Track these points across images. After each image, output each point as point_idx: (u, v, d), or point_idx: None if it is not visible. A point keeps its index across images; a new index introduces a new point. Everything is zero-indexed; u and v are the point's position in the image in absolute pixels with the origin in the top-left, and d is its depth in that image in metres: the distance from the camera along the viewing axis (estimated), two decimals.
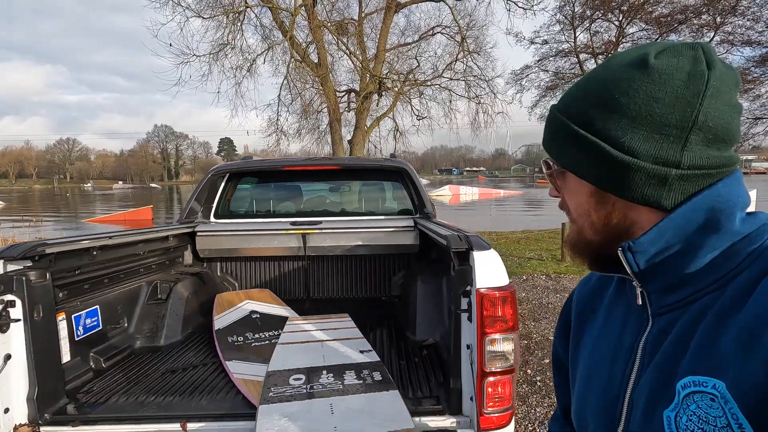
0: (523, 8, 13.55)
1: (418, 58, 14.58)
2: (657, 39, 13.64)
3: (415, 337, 2.45)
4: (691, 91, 0.50)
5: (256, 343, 2.46)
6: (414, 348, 2.37)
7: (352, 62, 13.58)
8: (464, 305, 1.65)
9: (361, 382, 1.67)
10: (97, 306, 2.26)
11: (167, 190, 69.92)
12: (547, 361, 3.78)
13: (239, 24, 12.30)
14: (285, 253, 3.35)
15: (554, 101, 0.67)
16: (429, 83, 14.51)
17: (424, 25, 14.95)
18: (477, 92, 14.70)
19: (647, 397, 0.53)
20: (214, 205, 3.62)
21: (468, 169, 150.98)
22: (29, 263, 1.76)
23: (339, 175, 3.94)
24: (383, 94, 13.87)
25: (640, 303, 0.59)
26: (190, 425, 1.67)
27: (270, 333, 2.60)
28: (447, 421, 1.66)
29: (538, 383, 3.41)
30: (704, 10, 13.93)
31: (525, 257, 8.37)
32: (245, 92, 13.48)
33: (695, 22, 14.10)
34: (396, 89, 13.79)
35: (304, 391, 1.61)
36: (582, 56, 16.91)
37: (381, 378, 1.70)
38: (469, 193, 35.28)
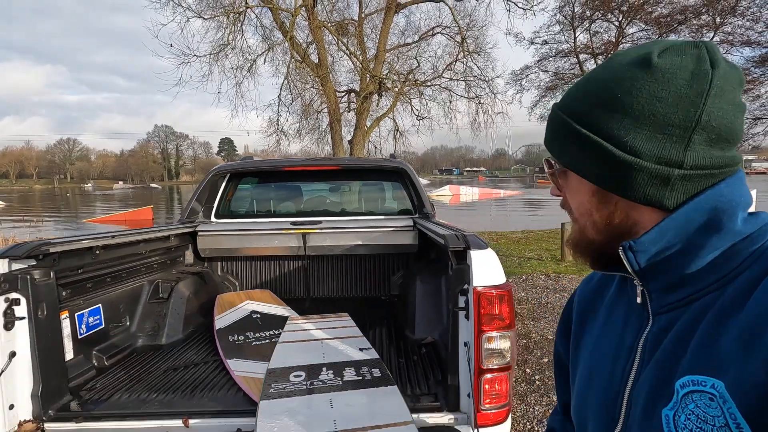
0: (522, 8, 13.59)
1: (418, 58, 14.61)
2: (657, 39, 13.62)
3: (414, 335, 2.47)
4: (695, 91, 0.50)
5: (257, 342, 2.49)
6: (413, 346, 2.39)
7: (352, 62, 13.61)
8: (462, 303, 1.67)
9: (360, 378, 1.70)
10: (100, 305, 2.28)
11: (167, 190, 69.94)
12: (545, 360, 3.80)
13: (240, 24, 12.33)
14: (285, 253, 3.37)
15: (554, 101, 0.67)
16: (429, 83, 14.53)
17: (424, 25, 14.99)
18: (477, 92, 14.73)
19: (646, 395, 0.54)
20: (215, 205, 3.64)
21: (468, 169, 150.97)
22: (34, 262, 1.78)
23: (339, 175, 3.96)
24: (383, 94, 13.90)
25: (640, 302, 0.59)
26: (192, 421, 1.70)
27: (270, 332, 2.62)
28: (445, 418, 1.69)
29: (537, 382, 3.44)
30: (704, 10, 13.93)
31: (525, 257, 8.39)
32: (246, 92, 13.53)
33: (695, 22, 14.11)
34: (396, 89, 13.81)
35: (304, 387, 1.63)
36: (582, 56, 16.93)
37: (380, 374, 1.72)
38: (469, 193, 35.29)
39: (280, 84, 13.08)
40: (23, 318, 1.68)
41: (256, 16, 13.13)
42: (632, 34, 15.92)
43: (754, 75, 13.79)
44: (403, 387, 1.92)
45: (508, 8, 13.74)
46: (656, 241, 0.54)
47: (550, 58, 17.55)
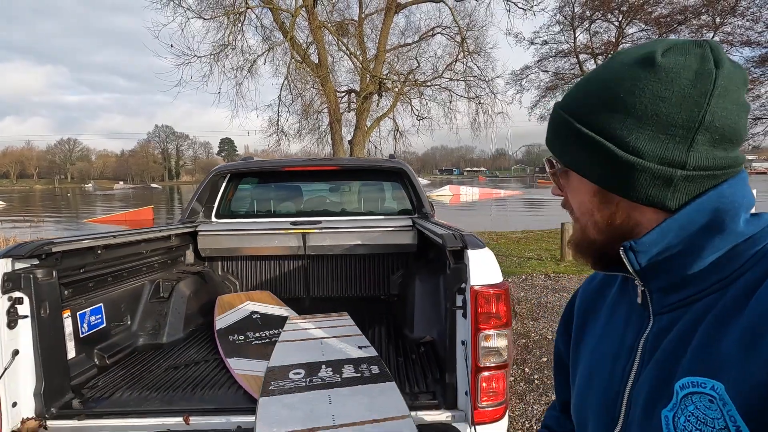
0: (522, 9, 13.60)
1: (418, 58, 14.63)
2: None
3: (412, 334, 2.49)
4: (699, 91, 0.49)
5: (257, 342, 2.51)
6: (412, 345, 2.41)
7: (353, 63, 13.63)
8: (459, 302, 1.69)
9: (359, 375, 1.72)
10: (101, 304, 2.30)
11: (168, 190, 69.97)
12: (545, 359, 3.82)
13: (240, 25, 12.36)
14: (285, 253, 3.39)
15: (554, 101, 0.67)
16: (429, 84, 14.55)
17: (424, 25, 15.01)
18: (477, 92, 14.75)
19: (646, 395, 0.53)
20: (216, 205, 3.66)
21: (468, 169, 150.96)
22: (36, 261, 1.80)
23: (338, 175, 3.98)
24: (383, 94, 13.91)
25: (641, 302, 0.59)
26: (193, 419, 1.71)
27: (270, 332, 2.64)
28: (442, 416, 1.70)
29: (536, 381, 3.45)
30: (704, 10, 13.95)
31: (524, 257, 8.41)
32: (246, 93, 13.54)
33: (695, 22, 14.13)
34: (396, 90, 13.83)
35: (304, 384, 1.65)
36: (582, 57, 16.95)
37: (378, 371, 1.74)
38: (469, 193, 35.30)
39: (281, 84, 13.12)
40: (26, 317, 1.70)
41: (257, 16, 13.17)
42: (632, 34, 15.95)
43: (754, 75, 13.80)
44: (402, 385, 1.93)
45: (508, 8, 13.76)
46: (657, 241, 0.53)
47: (550, 59, 17.59)
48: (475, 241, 1.74)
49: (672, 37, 14.15)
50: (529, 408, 3.09)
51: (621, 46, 15.62)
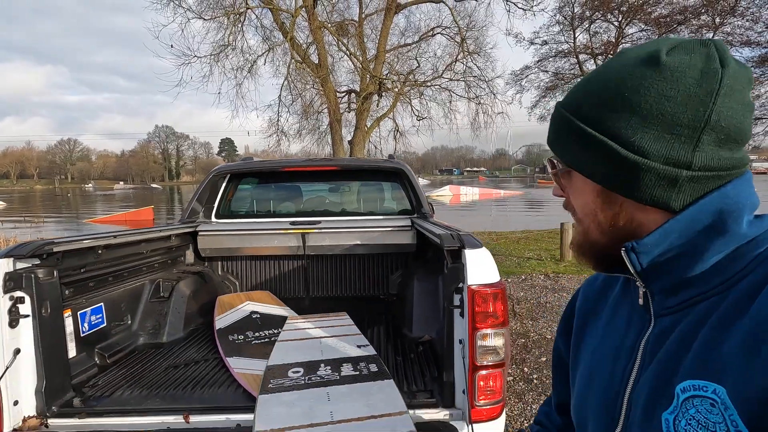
0: (522, 9, 13.63)
1: (418, 58, 14.65)
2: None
3: (411, 334, 2.50)
4: (704, 90, 0.49)
5: (257, 341, 2.52)
6: (410, 345, 2.42)
7: (353, 63, 13.65)
8: (456, 301, 1.70)
9: (357, 373, 1.73)
10: (102, 303, 2.32)
11: (168, 190, 70.01)
12: (544, 359, 3.83)
13: (240, 25, 12.38)
14: (285, 253, 3.40)
15: (554, 102, 0.68)
16: (429, 84, 14.57)
17: (424, 25, 15.03)
18: (477, 93, 14.77)
19: (646, 397, 0.53)
20: (216, 205, 3.67)
21: (468, 169, 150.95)
22: (37, 261, 1.81)
23: (338, 175, 3.99)
24: (383, 94, 13.94)
25: (642, 303, 0.58)
26: (193, 417, 1.73)
27: (270, 331, 2.65)
28: (440, 414, 1.72)
29: (535, 381, 3.47)
30: (703, 10, 13.97)
31: (524, 257, 8.42)
32: (246, 93, 13.57)
33: (694, 22, 14.14)
34: (396, 90, 13.85)
35: (303, 382, 1.67)
36: (581, 57, 16.98)
37: (377, 369, 1.76)
38: (469, 193, 35.30)
39: (281, 84, 13.15)
40: (27, 316, 1.72)
41: (257, 16, 13.20)
42: (632, 34, 15.98)
43: (754, 75, 13.80)
44: (400, 384, 1.95)
45: (507, 9, 13.79)
46: (659, 242, 0.53)
47: (550, 59, 17.63)
48: (473, 240, 1.75)
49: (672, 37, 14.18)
50: (528, 407, 3.10)
51: (621, 46, 15.64)
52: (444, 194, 33.87)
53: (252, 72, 12.99)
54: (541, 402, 3.17)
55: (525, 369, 3.67)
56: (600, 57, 16.22)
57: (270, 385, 1.65)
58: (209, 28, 12.32)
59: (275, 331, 2.62)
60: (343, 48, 13.02)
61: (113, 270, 2.45)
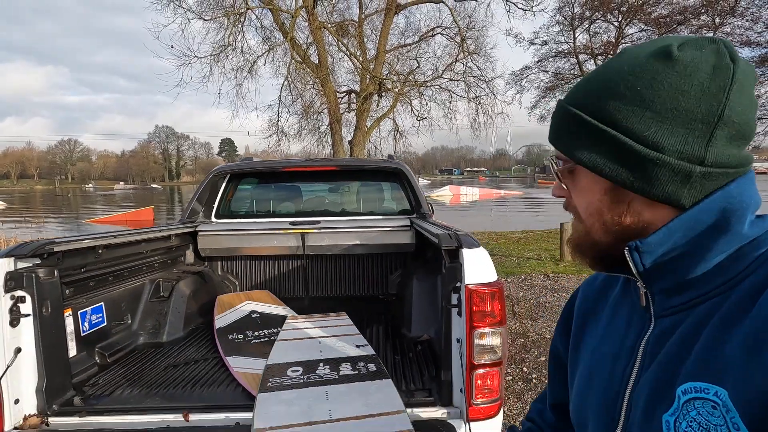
0: (522, 9, 13.64)
1: (418, 59, 14.67)
2: None
3: (410, 333, 2.51)
4: (717, 85, 0.49)
5: (256, 341, 2.53)
6: (409, 344, 2.43)
7: (353, 63, 13.67)
8: (454, 301, 1.71)
9: (356, 372, 1.74)
10: (102, 303, 2.33)
11: (168, 190, 70.04)
12: (543, 359, 3.84)
13: (240, 25, 12.40)
14: (284, 253, 3.41)
15: (554, 102, 0.67)
16: (429, 84, 14.59)
17: (424, 26, 15.05)
18: (477, 93, 14.79)
19: (646, 398, 0.53)
20: (215, 205, 3.68)
21: (469, 169, 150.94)
22: (38, 261, 1.82)
23: (337, 176, 4.00)
24: (383, 95, 13.95)
25: (644, 304, 0.58)
26: (192, 416, 1.74)
27: (269, 331, 2.66)
28: (438, 412, 1.73)
29: (534, 380, 3.48)
30: (703, 10, 13.98)
31: (524, 257, 8.43)
32: (246, 93, 13.58)
33: (694, 22, 14.15)
34: (396, 90, 13.86)
35: (302, 381, 1.68)
36: (581, 57, 16.99)
37: (375, 369, 1.77)
38: (469, 193, 35.30)
39: (281, 85, 13.17)
40: (28, 315, 1.73)
41: (257, 17, 13.22)
42: (632, 34, 15.99)
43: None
44: (399, 383, 1.96)
45: (507, 9, 13.80)
46: (663, 242, 0.53)
47: (550, 59, 17.65)
48: (470, 240, 1.76)
49: None
50: (527, 407, 3.11)
51: (621, 46, 15.66)
52: (444, 194, 33.88)
53: (252, 72, 13.03)
54: None
55: (524, 369, 3.68)
56: (600, 57, 16.23)
57: (269, 384, 1.66)
58: (209, 29, 12.35)
59: (275, 331, 2.63)
60: (343, 48, 13.04)
61: (113, 270, 2.46)
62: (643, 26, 15.56)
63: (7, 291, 1.68)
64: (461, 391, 1.69)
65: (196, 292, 2.97)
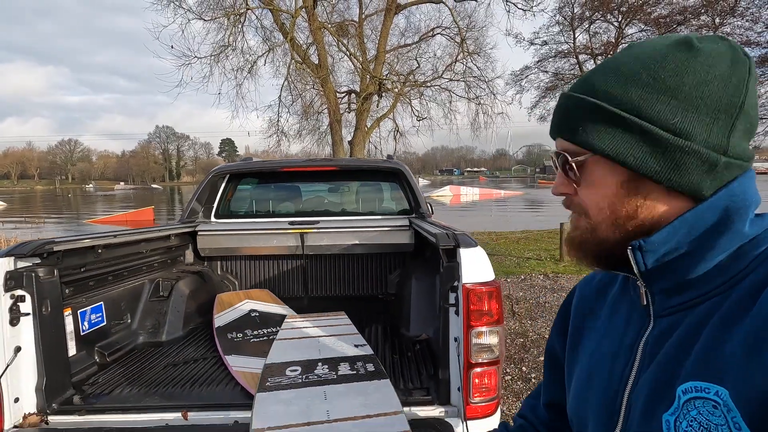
0: (522, 9, 13.66)
1: (418, 59, 14.68)
2: None
3: (409, 333, 2.52)
4: (737, 77, 0.50)
5: (255, 340, 2.54)
6: (407, 344, 2.44)
7: (353, 63, 13.68)
8: (452, 300, 1.72)
9: (354, 372, 1.75)
10: (102, 302, 2.34)
11: (168, 190, 70.07)
12: (542, 359, 3.83)
13: (240, 26, 12.42)
14: (284, 252, 3.42)
15: (554, 102, 0.67)
16: (429, 84, 14.60)
17: (424, 26, 15.09)
18: (477, 93, 14.80)
19: (646, 399, 0.52)
20: (215, 205, 3.69)
21: (469, 169, 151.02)
22: (38, 260, 1.83)
23: (336, 176, 4.01)
24: (383, 95, 13.96)
25: (645, 303, 0.57)
26: (191, 414, 1.74)
27: (268, 330, 2.67)
28: (436, 411, 1.73)
29: (533, 380, 3.48)
30: (703, 11, 13.99)
31: (524, 257, 8.43)
32: (246, 93, 13.58)
33: (694, 23, 14.15)
34: (396, 90, 13.87)
35: (300, 381, 1.68)
36: (581, 57, 16.98)
37: (374, 369, 1.77)
38: (469, 193, 35.31)
39: (281, 85, 13.18)
40: (28, 314, 1.73)
41: (257, 17, 13.24)
42: (631, 34, 15.99)
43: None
44: (397, 382, 1.96)
45: (507, 9, 13.82)
46: (666, 240, 0.52)
47: (550, 59, 17.64)
48: (468, 240, 1.77)
49: None
50: None
51: (621, 46, 15.65)
52: (444, 194, 33.88)
53: (252, 72, 13.04)
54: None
55: (523, 368, 3.68)
56: (600, 57, 16.22)
57: (268, 384, 1.66)
58: (209, 29, 12.37)
59: (274, 330, 2.63)
60: (343, 48, 13.05)
61: (113, 269, 2.47)
62: (642, 26, 15.56)
63: (6, 290, 1.68)
64: (459, 389, 1.70)
65: (196, 291, 2.97)
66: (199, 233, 3.33)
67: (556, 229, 8.71)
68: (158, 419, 1.73)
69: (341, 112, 13.84)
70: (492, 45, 15.52)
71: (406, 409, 1.66)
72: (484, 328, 1.63)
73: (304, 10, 12.25)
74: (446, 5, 13.73)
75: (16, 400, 1.70)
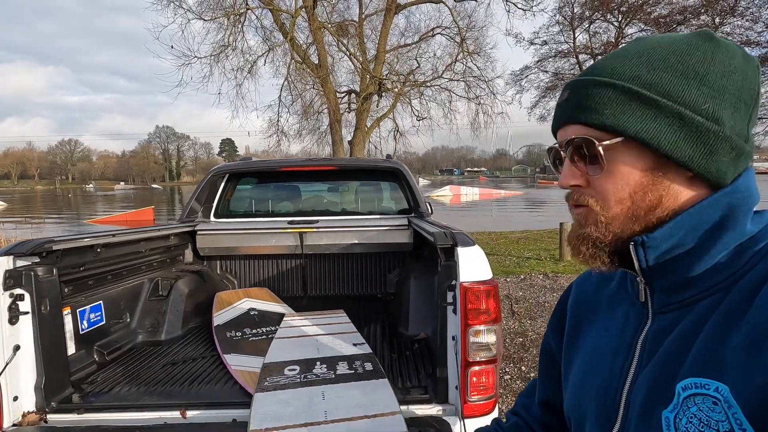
0: (522, 9, 13.67)
1: (417, 59, 14.69)
2: None
3: (407, 332, 2.52)
4: (752, 70, 0.52)
5: (254, 338, 2.54)
6: (406, 342, 2.44)
7: (353, 63, 13.69)
8: (449, 298, 1.72)
9: (352, 371, 1.75)
10: (101, 301, 2.34)
11: (168, 190, 70.08)
12: None
13: (240, 26, 12.43)
14: (283, 252, 3.42)
15: (554, 102, 0.65)
16: (429, 84, 14.61)
17: (423, 26, 15.12)
18: (477, 93, 14.82)
19: (645, 396, 0.52)
20: (214, 204, 3.69)
21: (469, 169, 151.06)
22: (37, 259, 1.83)
23: (336, 175, 4.02)
24: (383, 95, 13.97)
25: (644, 300, 0.57)
26: (190, 413, 1.75)
27: (267, 328, 2.67)
28: (433, 409, 1.74)
29: (533, 379, 3.49)
30: (703, 10, 13.99)
31: (524, 257, 8.43)
32: (246, 93, 13.62)
33: (694, 22, 14.15)
34: (396, 90, 13.88)
35: (298, 380, 1.69)
36: (581, 57, 16.99)
37: (372, 368, 1.78)
38: (470, 193, 35.29)
39: (281, 85, 13.20)
40: (27, 313, 1.74)
41: (257, 17, 13.25)
42: (631, 34, 15.99)
43: None
44: (395, 381, 1.97)
45: (507, 9, 13.83)
46: (668, 237, 0.52)
47: (550, 59, 17.65)
48: (465, 239, 1.77)
49: None
50: None
51: (620, 46, 15.64)
52: (444, 194, 33.88)
53: (252, 72, 13.06)
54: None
55: (523, 368, 3.69)
56: (599, 57, 16.21)
57: (266, 383, 1.67)
58: (209, 29, 12.39)
59: (273, 329, 2.64)
60: (343, 48, 13.07)
61: (112, 268, 2.47)
62: (642, 26, 15.56)
63: (6, 289, 1.69)
64: (456, 388, 1.70)
65: (195, 291, 2.98)
66: (199, 233, 3.33)
67: (556, 229, 8.71)
68: (157, 417, 1.74)
69: (341, 112, 13.85)
70: (492, 45, 15.57)
71: (404, 407, 1.66)
72: (481, 327, 1.63)
73: (304, 10, 12.26)
74: (446, 5, 13.74)
75: (15, 398, 1.70)
